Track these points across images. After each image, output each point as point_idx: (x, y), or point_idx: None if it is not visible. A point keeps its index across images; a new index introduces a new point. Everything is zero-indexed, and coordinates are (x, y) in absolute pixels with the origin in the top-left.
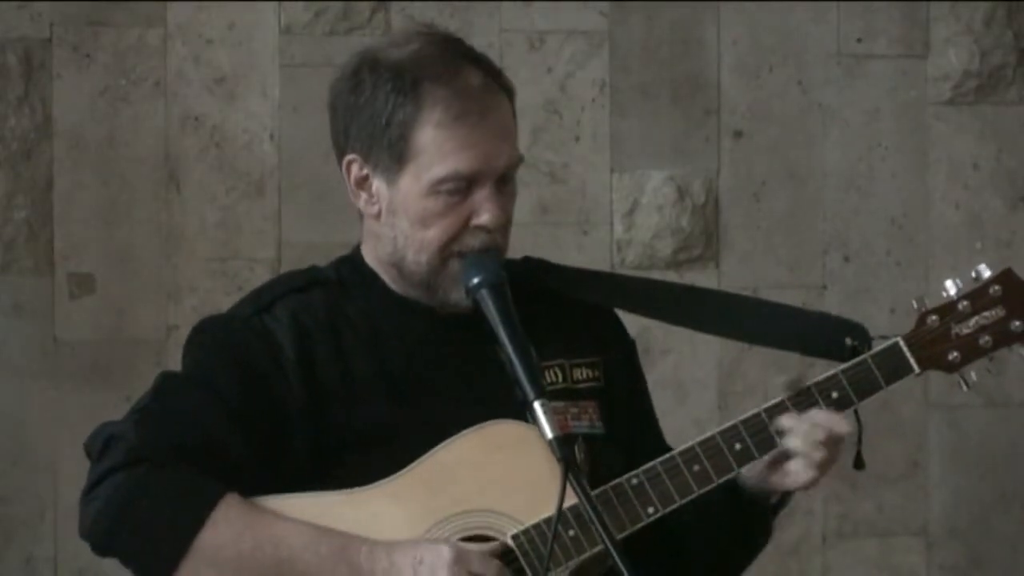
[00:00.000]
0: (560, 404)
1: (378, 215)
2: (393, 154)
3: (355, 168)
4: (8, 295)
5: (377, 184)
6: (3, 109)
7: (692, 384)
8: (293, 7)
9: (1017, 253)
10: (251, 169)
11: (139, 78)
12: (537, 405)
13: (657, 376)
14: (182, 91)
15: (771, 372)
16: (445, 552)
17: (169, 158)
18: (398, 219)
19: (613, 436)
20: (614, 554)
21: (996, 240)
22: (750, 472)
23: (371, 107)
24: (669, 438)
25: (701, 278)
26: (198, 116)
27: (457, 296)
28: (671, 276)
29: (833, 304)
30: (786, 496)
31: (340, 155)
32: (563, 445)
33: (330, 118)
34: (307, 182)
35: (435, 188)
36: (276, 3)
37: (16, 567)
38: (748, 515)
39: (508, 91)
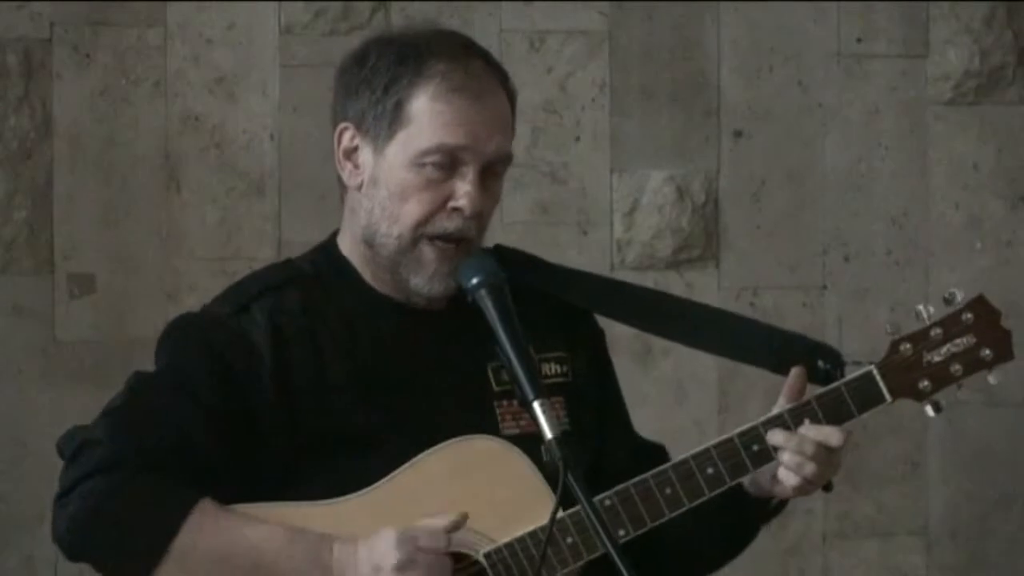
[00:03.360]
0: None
1: (360, 186)
2: (386, 121)
3: (346, 137)
4: (8, 295)
5: (364, 154)
6: (3, 109)
7: (692, 384)
8: (293, 7)
9: (1017, 253)
10: (251, 169)
11: (139, 78)
12: (536, 405)
13: (657, 376)
14: (182, 91)
15: (771, 373)
16: (390, 535)
17: (169, 158)
18: (378, 190)
19: (579, 431)
20: (613, 553)
21: (996, 240)
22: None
23: (373, 76)
24: (669, 438)
25: (701, 278)
26: (198, 116)
27: (417, 282)
28: (671, 276)
29: (833, 304)
30: (784, 501)
31: (334, 125)
32: (562, 446)
33: (333, 91)
34: (307, 182)
35: (420, 159)
36: (276, 3)
37: (16, 567)
38: (737, 515)
39: (509, 93)
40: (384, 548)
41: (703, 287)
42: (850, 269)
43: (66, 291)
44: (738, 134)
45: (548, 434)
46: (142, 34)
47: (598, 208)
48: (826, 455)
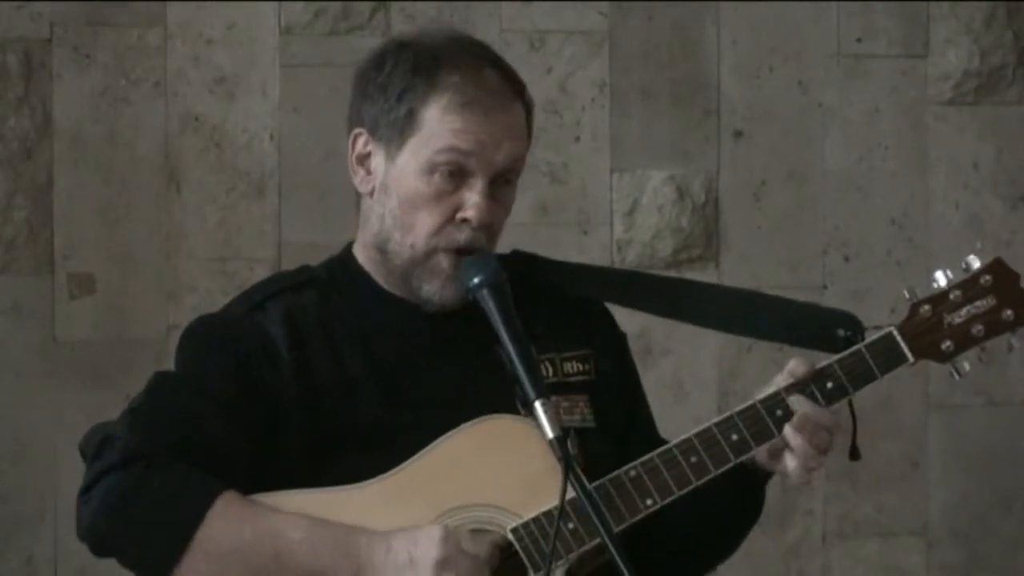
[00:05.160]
0: (552, 398)
1: (371, 192)
2: (397, 128)
3: (360, 142)
4: (8, 295)
5: (376, 160)
6: (3, 109)
7: (692, 384)
8: (293, 7)
9: (1017, 253)
10: (251, 169)
11: (139, 78)
12: (538, 404)
13: (657, 376)
14: (182, 91)
15: (771, 371)
16: (436, 531)
17: (169, 158)
18: (389, 197)
19: (604, 429)
20: (612, 550)
21: (996, 240)
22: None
23: (389, 82)
24: (669, 438)
25: (701, 278)
26: (198, 116)
27: (430, 289)
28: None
29: (833, 304)
30: None
31: (350, 129)
32: (563, 444)
33: (351, 93)
34: (307, 182)
35: (430, 166)
36: (276, 3)
37: (16, 567)
38: (738, 485)
39: (526, 104)
40: (426, 543)
41: None
42: (850, 269)
43: (66, 291)
44: (738, 134)
45: (549, 434)
46: (142, 34)
47: (598, 208)
48: (827, 437)
